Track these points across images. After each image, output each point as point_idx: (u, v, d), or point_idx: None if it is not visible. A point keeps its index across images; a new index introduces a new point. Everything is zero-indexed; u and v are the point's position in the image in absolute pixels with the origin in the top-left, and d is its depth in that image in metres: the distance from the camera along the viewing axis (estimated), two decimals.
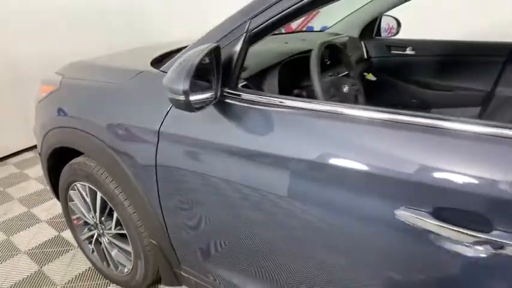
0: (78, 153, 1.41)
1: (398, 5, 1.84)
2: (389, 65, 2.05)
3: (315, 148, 0.79)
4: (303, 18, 3.81)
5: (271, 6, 0.86)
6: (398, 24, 2.12)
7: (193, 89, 0.81)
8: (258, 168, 0.89)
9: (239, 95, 0.93)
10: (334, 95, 1.29)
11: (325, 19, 3.17)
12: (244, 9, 0.92)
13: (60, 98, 1.42)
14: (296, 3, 0.83)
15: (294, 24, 3.96)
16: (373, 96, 1.84)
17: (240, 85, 1.09)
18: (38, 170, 2.59)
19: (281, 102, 0.87)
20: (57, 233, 1.94)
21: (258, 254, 0.99)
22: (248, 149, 0.89)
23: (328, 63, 1.50)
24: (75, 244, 1.77)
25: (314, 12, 3.83)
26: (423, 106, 1.92)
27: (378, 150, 0.73)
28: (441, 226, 0.64)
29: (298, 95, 1.30)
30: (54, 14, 2.81)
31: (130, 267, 1.44)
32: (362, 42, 2.08)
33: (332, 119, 0.79)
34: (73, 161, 1.43)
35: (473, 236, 0.62)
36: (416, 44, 1.95)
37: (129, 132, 1.13)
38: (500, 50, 1.74)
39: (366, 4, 1.90)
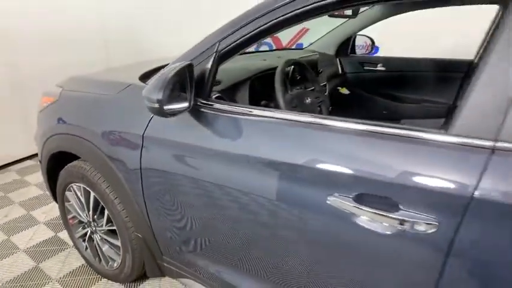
0: (74, 158, 1.57)
1: (368, 26, 2.04)
2: (363, 80, 2.23)
3: (273, 149, 0.95)
4: (292, 36, 4.04)
5: (237, 30, 1.04)
6: (373, 42, 2.31)
7: (170, 99, 0.99)
8: (227, 167, 1.05)
9: (212, 104, 1.10)
10: (296, 105, 1.46)
11: (314, 37, 3.38)
12: (214, 33, 1.10)
13: (59, 108, 1.59)
14: (256, 29, 1.01)
15: (284, 41, 4.19)
16: (347, 108, 2.01)
17: (214, 97, 1.26)
18: (37, 177, 2.75)
19: (249, 111, 1.04)
20: (54, 234, 2.08)
21: (230, 244, 1.14)
22: (219, 151, 1.05)
23: (298, 78, 1.68)
24: (71, 243, 1.92)
25: (304, 30, 4.06)
26: (394, 117, 2.09)
27: (317, 150, 0.89)
28: (361, 209, 0.80)
29: (265, 106, 1.48)
30: (58, 29, 3.02)
31: (120, 261, 1.59)
32: (338, 59, 2.27)
33: (288, 125, 0.95)
34: (70, 164, 1.59)
35: (385, 216, 0.78)
36: (386, 61, 2.13)
37: (119, 137, 1.29)
38: (461, 67, 1.93)
39: (339, 25, 2.10)
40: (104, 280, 1.72)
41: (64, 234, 2.02)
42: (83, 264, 1.82)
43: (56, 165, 1.68)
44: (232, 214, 1.08)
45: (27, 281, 1.72)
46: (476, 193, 0.69)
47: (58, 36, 3.02)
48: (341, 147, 0.87)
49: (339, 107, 1.80)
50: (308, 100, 1.52)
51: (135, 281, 1.70)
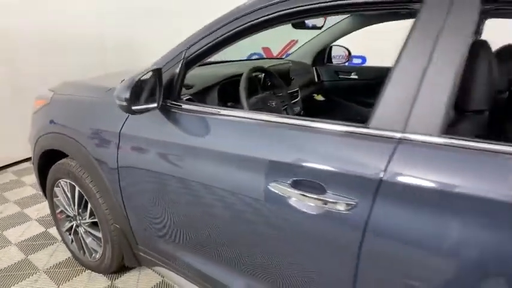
0: (63, 156, 1.71)
1: (341, 37, 2.19)
2: (338, 87, 2.37)
3: (233, 144, 1.08)
4: (282, 48, 4.21)
5: (201, 39, 1.18)
6: (349, 52, 2.46)
7: (141, 99, 1.13)
8: (193, 161, 1.17)
9: (180, 105, 1.23)
10: (260, 108, 1.60)
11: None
12: (182, 42, 1.24)
13: (50, 110, 1.73)
14: (217, 39, 1.15)
15: (275, 52, 4.36)
16: (321, 113, 2.15)
17: (185, 99, 1.40)
18: (33, 178, 2.87)
19: (215, 111, 1.17)
20: (45, 229, 2.21)
21: (198, 234, 1.26)
22: (186, 146, 1.18)
23: (269, 83, 1.82)
24: (59, 238, 2.03)
25: (294, 41, 4.23)
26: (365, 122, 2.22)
27: (264, 143, 1.03)
28: (295, 192, 0.93)
29: (232, 107, 1.62)
30: (59, 34, 3.20)
31: (101, 253, 1.71)
32: (314, 68, 2.41)
33: (246, 123, 1.09)
34: (58, 162, 1.72)
35: (314, 198, 0.90)
36: (359, 70, 2.28)
37: (100, 134, 1.43)
38: None
39: (315, 36, 2.25)
40: (88, 272, 1.84)
41: (54, 230, 2.14)
42: (69, 257, 1.94)
43: (47, 163, 1.81)
44: (197, 205, 1.20)
45: (15, 271, 1.83)
46: (385, 177, 0.82)
47: (58, 42, 3.20)
48: (282, 140, 1.00)
49: (314, 112, 1.93)
50: (273, 104, 1.66)
51: (116, 273, 1.81)
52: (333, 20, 2.14)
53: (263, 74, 1.78)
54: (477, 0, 0.79)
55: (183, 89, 1.43)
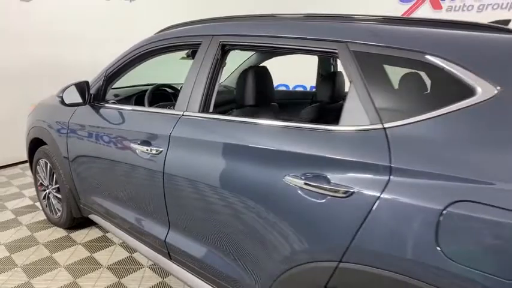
0: (44, 143, 2.51)
1: (261, 63, 2.92)
2: None
3: (133, 127, 1.81)
4: None
5: (114, 64, 1.97)
6: None
7: (76, 98, 1.91)
8: (108, 138, 1.91)
9: (103, 104, 2.01)
10: None
11: None
12: (107, 66, 2.03)
13: (36, 110, 2.57)
14: (121, 64, 1.93)
15: None
16: None
17: (111, 102, 2.17)
18: (20, 180, 3.63)
19: (124, 107, 1.93)
20: (14, 216, 2.83)
21: (115, 191, 1.95)
22: (105, 127, 1.91)
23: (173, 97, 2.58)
24: (24, 223, 2.73)
25: None
26: None
27: (138, 123, 1.76)
28: (144, 149, 1.64)
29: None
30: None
31: (61, 210, 2.45)
32: None
33: (137, 113, 1.84)
34: (40, 147, 2.53)
35: (144, 151, 1.61)
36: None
37: (59, 124, 2.22)
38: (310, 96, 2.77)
39: (241, 63, 3.02)
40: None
41: (24, 218, 2.90)
42: (30, 236, 2.69)
43: (35, 148, 2.62)
44: (111, 168, 1.91)
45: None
46: (173, 133, 1.52)
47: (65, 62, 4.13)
48: (142, 120, 1.73)
49: None
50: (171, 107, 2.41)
51: (92, 245, 2.53)
52: None
53: (169, 90, 2.57)
54: (216, 50, 1.50)
55: (113, 96, 2.22)
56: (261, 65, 2.97)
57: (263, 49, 1.62)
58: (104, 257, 2.26)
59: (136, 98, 2.36)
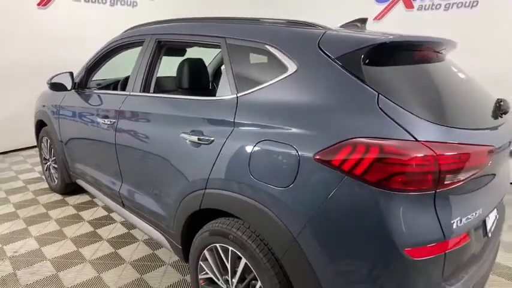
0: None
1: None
2: None
3: (104, 105, 2.33)
4: None
5: (92, 59, 2.50)
6: None
7: (63, 85, 2.46)
8: (90, 116, 2.43)
9: (84, 90, 2.54)
10: None
11: None
12: (87, 60, 2.56)
13: (41, 97, 3.16)
14: (98, 58, 2.46)
15: None
16: None
17: (94, 90, 2.70)
18: (34, 159, 4.26)
19: (102, 92, 2.45)
20: (24, 185, 3.47)
21: (96, 161, 2.49)
22: (86, 107, 2.44)
23: None
24: (31, 189, 3.36)
25: None
26: None
27: (105, 101, 2.28)
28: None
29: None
30: None
31: (57, 178, 3.03)
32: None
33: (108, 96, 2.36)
34: (43, 127, 3.11)
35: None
36: None
37: (54, 107, 2.79)
38: None
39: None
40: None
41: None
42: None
43: (40, 128, 3.21)
44: (87, 140, 2.44)
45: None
46: (121, 108, 2.01)
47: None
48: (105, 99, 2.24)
49: None
50: None
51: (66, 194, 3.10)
52: None
53: None
54: (154, 45, 1.98)
55: (96, 85, 2.77)
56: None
57: (178, 43, 2.07)
58: (86, 215, 2.80)
59: (113, 86, 2.89)
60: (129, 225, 2.62)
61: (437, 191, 1.02)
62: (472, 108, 1.34)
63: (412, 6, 4.47)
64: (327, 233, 1.10)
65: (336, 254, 1.10)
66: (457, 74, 1.46)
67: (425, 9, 4.35)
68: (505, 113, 1.37)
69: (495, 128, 1.30)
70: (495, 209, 1.47)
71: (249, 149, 1.29)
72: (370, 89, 1.11)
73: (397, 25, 4.54)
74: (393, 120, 1.04)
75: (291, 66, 1.31)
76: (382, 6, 4.75)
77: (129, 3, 5.14)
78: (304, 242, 1.13)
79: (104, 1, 4.89)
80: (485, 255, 1.34)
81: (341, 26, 1.82)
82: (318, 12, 5.09)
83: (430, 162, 0.99)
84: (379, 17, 4.84)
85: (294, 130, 1.20)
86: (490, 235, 1.38)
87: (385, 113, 1.06)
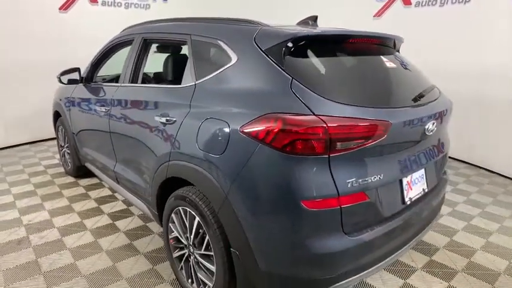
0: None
1: None
2: None
3: (106, 95, 2.69)
4: None
5: (96, 57, 2.87)
6: None
7: (72, 78, 2.85)
8: (94, 105, 2.79)
9: (90, 84, 2.92)
10: None
11: None
12: (92, 57, 2.94)
13: (57, 92, 3.58)
14: (101, 55, 2.82)
15: None
16: None
17: (98, 83, 3.07)
18: (56, 148, 4.79)
19: (103, 85, 2.82)
20: (44, 169, 4.01)
21: (101, 145, 2.85)
22: (92, 98, 2.81)
23: None
24: (49, 173, 3.80)
25: None
26: None
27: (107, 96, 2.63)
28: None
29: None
30: None
31: (70, 162, 3.44)
32: None
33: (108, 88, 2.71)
34: (59, 118, 3.54)
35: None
36: None
37: (66, 98, 3.19)
38: None
39: None
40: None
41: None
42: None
43: (57, 117, 3.64)
44: (90, 126, 2.81)
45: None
46: (113, 97, 2.35)
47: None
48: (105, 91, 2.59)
49: None
50: None
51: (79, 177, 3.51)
52: None
53: None
54: (141, 42, 2.30)
55: (101, 79, 3.15)
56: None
57: (159, 41, 2.38)
58: (93, 194, 3.18)
59: (115, 80, 3.26)
60: (129, 203, 2.97)
61: (331, 155, 1.25)
62: (386, 91, 1.55)
63: (409, 3, 4.57)
64: (246, 190, 1.36)
65: (253, 206, 1.36)
66: (384, 64, 1.67)
67: (422, 5, 4.43)
68: (421, 96, 1.58)
69: (413, 107, 1.52)
70: (421, 182, 1.67)
71: (197, 126, 1.57)
72: (286, 74, 1.36)
73: (396, 21, 4.65)
74: (299, 99, 1.29)
75: (234, 58, 1.58)
76: (382, 3, 4.87)
77: (142, 5, 5.55)
78: (232, 198, 1.40)
79: (119, 4, 5.33)
80: (403, 222, 1.54)
81: (297, 23, 2.06)
82: (321, 11, 5.26)
83: (322, 132, 1.22)
84: (378, 14, 4.96)
85: (231, 109, 1.47)
86: (408, 203, 1.58)
87: (295, 94, 1.30)
